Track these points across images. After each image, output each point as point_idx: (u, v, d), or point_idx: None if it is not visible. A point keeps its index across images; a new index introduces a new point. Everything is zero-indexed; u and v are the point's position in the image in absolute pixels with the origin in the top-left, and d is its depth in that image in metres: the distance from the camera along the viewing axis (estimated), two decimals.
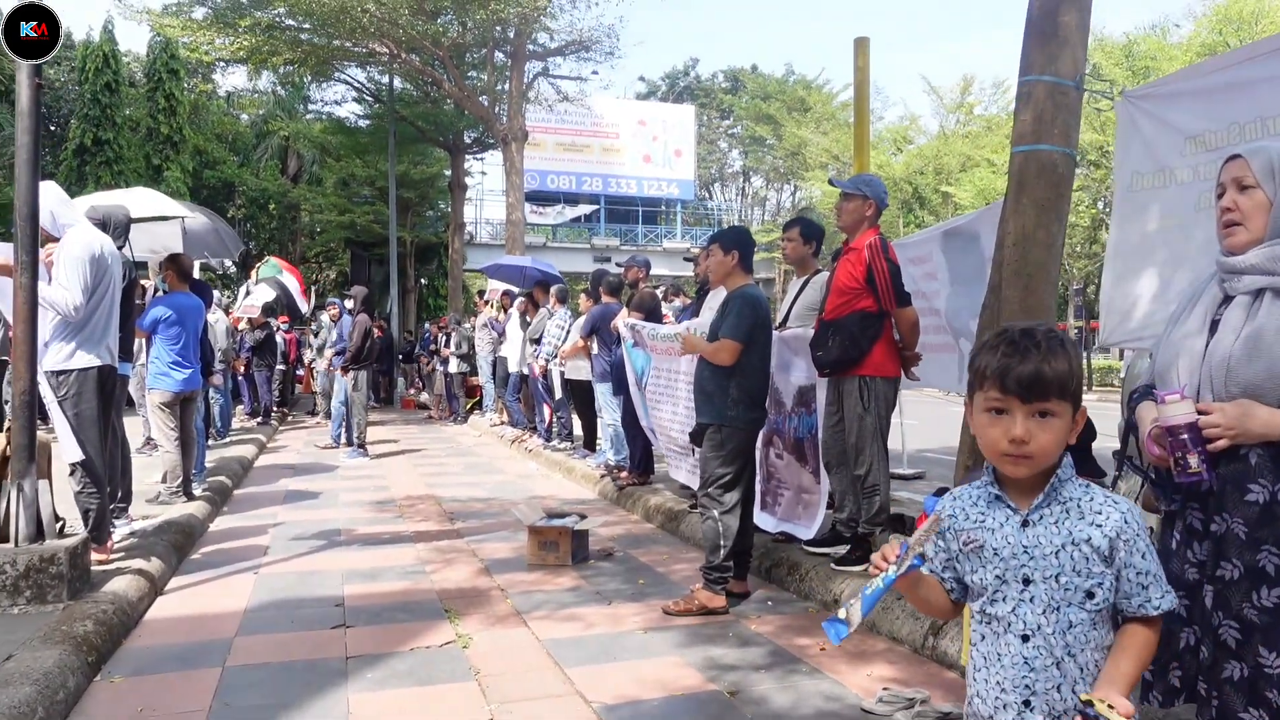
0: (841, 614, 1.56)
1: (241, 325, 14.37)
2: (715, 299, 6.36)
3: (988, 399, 1.55)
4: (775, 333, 4.90)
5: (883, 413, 4.38)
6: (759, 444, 5.25)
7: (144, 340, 7.12)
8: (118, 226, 5.13)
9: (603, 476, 8.25)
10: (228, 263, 29.87)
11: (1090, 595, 1.52)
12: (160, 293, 7.22)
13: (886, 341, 4.39)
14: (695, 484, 6.27)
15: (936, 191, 31.86)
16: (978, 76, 46.83)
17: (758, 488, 5.40)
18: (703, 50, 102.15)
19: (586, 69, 20.39)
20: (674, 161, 46.03)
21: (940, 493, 4.25)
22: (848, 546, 4.65)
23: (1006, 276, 4.15)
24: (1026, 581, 1.55)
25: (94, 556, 4.65)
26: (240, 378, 14.72)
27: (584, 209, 47.17)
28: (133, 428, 7.24)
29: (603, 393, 8.19)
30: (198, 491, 7.14)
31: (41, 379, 4.57)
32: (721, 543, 4.35)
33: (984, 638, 1.61)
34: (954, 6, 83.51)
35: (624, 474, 7.71)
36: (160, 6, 16.64)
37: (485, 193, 43.15)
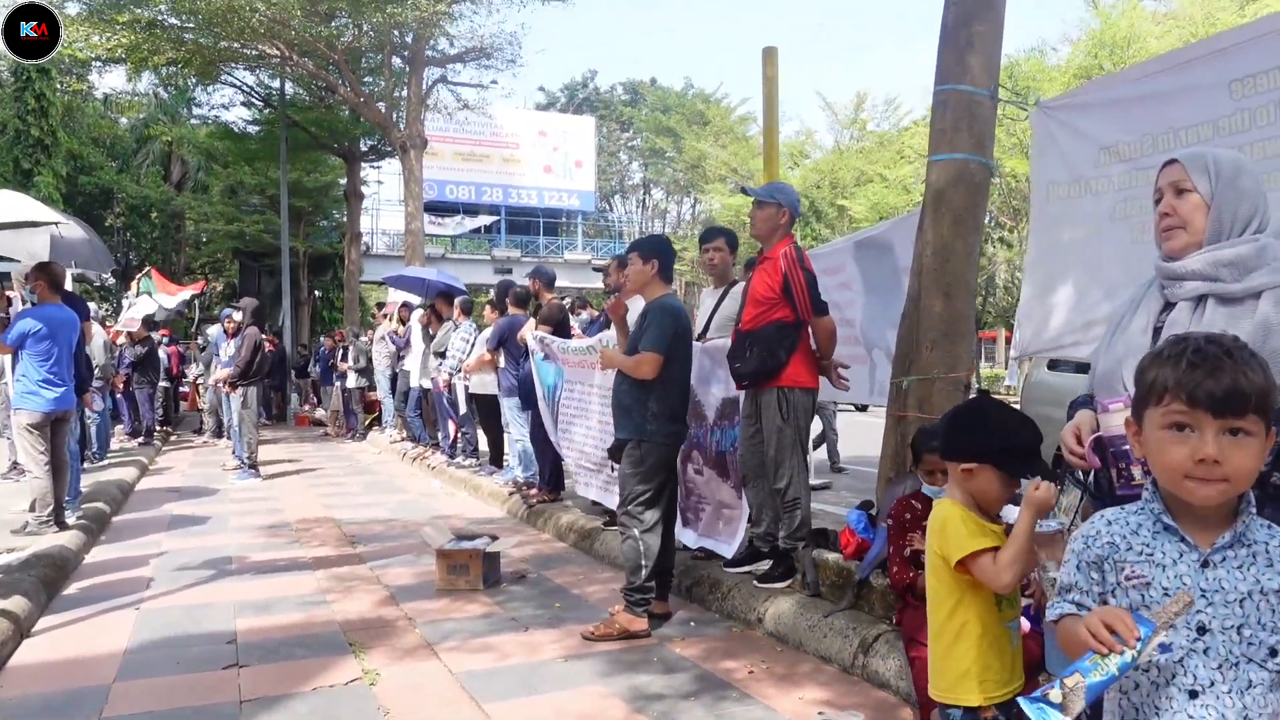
0: (1054, 695, 1.29)
1: (121, 340, 13.54)
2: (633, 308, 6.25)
3: (1169, 413, 1.37)
4: (696, 344, 4.79)
5: (802, 424, 4.31)
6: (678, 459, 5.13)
7: (9, 357, 6.54)
8: None
9: (511, 494, 7.99)
10: (105, 275, 28.42)
11: (1274, 653, 1.35)
12: (27, 305, 6.66)
13: (804, 352, 4.32)
14: (608, 501, 6.12)
15: (833, 205, 32.61)
16: (871, 93, 48.13)
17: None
18: (601, 62, 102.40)
19: (487, 76, 20.08)
20: (575, 173, 45.92)
21: (864, 506, 4.20)
22: (769, 563, 4.55)
23: (926, 286, 4.14)
24: (1201, 630, 1.36)
25: None
26: (119, 395, 13.87)
27: (484, 220, 46.56)
28: None
29: (510, 407, 7.95)
30: (71, 520, 6.60)
31: None
32: (643, 563, 4.19)
33: (1137, 686, 1.41)
34: (849, 26, 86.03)
35: (533, 491, 7.48)
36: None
37: (382, 202, 42.17)
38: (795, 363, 4.25)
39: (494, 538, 5.45)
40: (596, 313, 9.80)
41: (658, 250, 4.47)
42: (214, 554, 6.21)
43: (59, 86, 29.70)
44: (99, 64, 18.73)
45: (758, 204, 4.43)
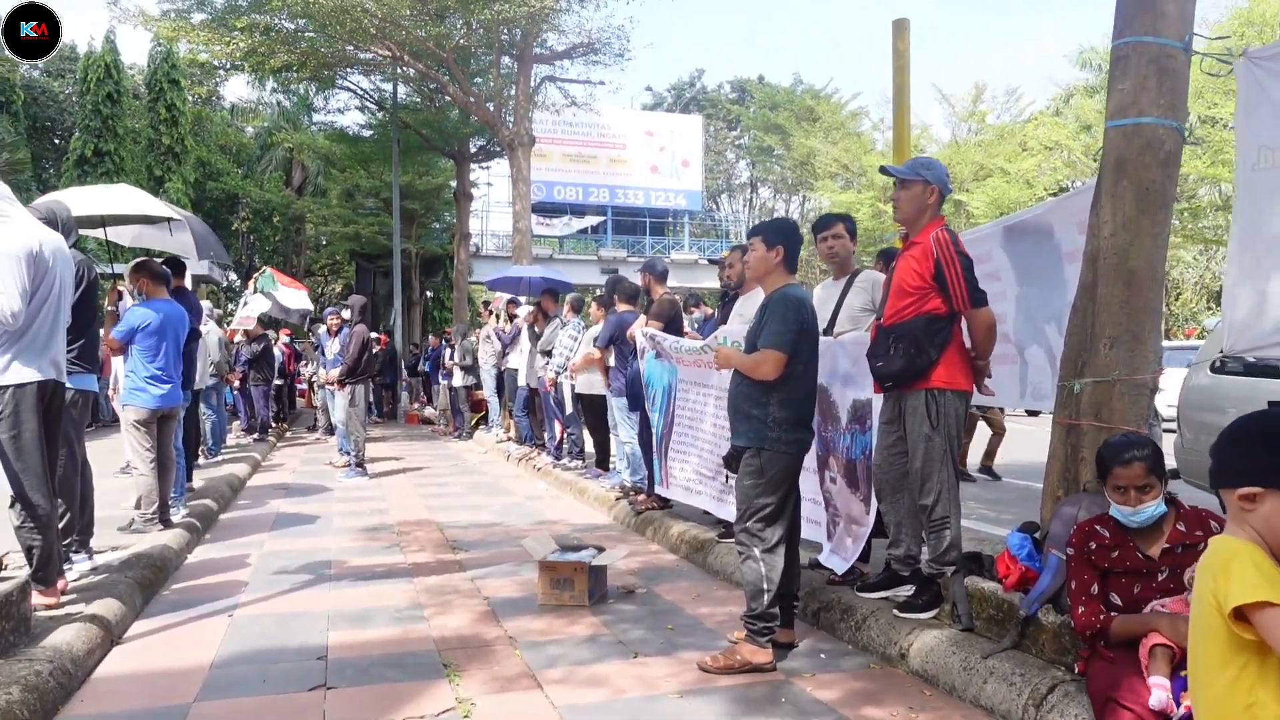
0: None
1: (238, 338, 13.81)
2: (746, 304, 5.76)
3: None
4: (829, 339, 4.28)
5: (953, 432, 3.74)
6: (813, 467, 4.62)
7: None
8: (65, 223, 4.52)
9: (618, 499, 7.60)
10: (232, 275, 29.48)
11: None
12: (137, 301, 6.63)
13: (957, 349, 3.76)
14: (720, 511, 5.66)
15: (950, 201, 31.22)
16: (990, 84, 46.21)
17: (820, 517, 4.77)
18: (709, 61, 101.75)
19: (595, 73, 19.85)
20: (681, 172, 45.50)
21: (1028, 528, 3.63)
22: (909, 589, 4.00)
23: (1104, 273, 3.53)
24: None
25: (40, 601, 4.04)
26: (236, 392, 14.15)
27: (591, 220, 46.66)
28: (114, 446, 6.67)
29: (619, 408, 7.56)
30: (177, 518, 6.53)
31: None
32: (765, 587, 3.71)
33: None
34: (964, 17, 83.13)
35: (642, 497, 7.06)
36: (158, 12, 16.17)
37: (491, 204, 42.67)
38: (947, 361, 3.69)
39: (600, 549, 5.05)
40: (711, 310, 9.34)
41: (784, 235, 3.97)
42: (314, 557, 6.02)
43: (189, 97, 31.06)
44: (222, 71, 19.22)
45: (901, 184, 3.89)
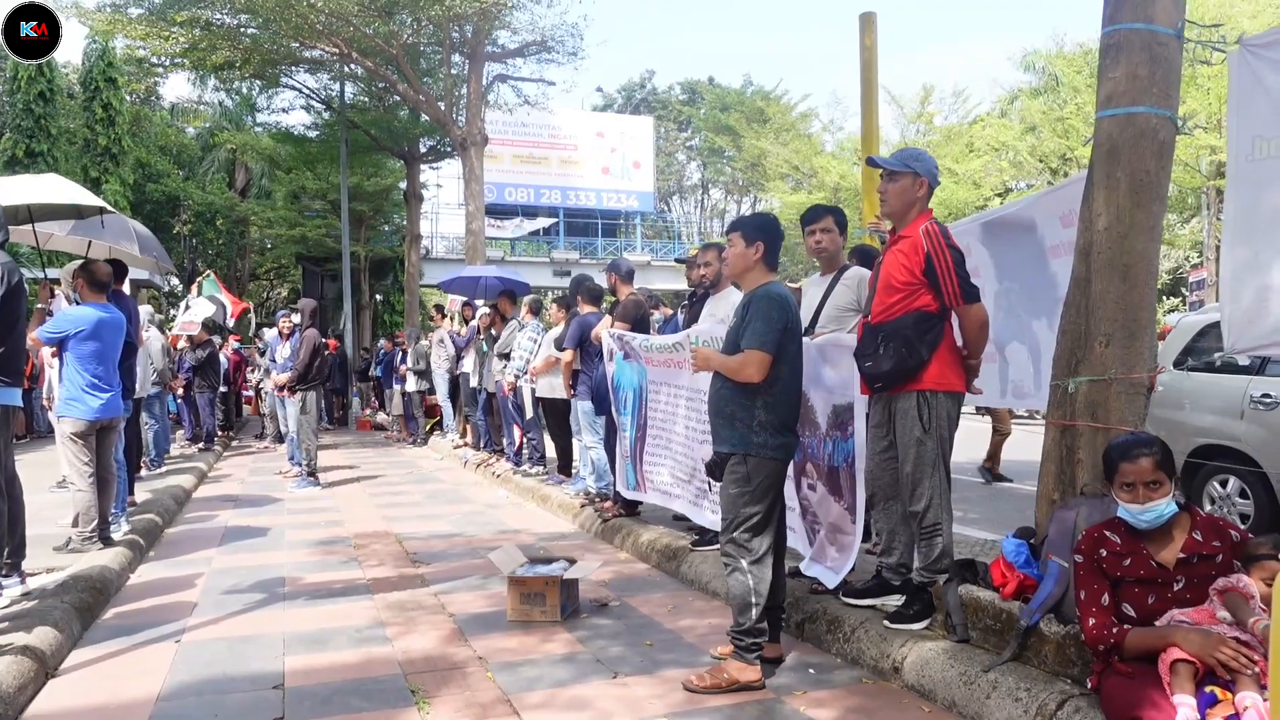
0: None
1: (181, 344, 13.31)
2: (719, 304, 5.59)
3: None
4: (807, 340, 4.11)
5: (945, 435, 3.60)
6: (789, 473, 4.46)
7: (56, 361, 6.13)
8: None
9: (583, 506, 7.39)
10: (174, 280, 28.61)
11: None
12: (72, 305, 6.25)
13: (949, 347, 3.61)
14: (698, 517, 5.48)
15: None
16: (937, 86, 46.74)
17: (797, 525, 4.60)
18: (658, 63, 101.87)
19: (548, 71, 19.59)
20: (633, 173, 45.48)
21: (1023, 534, 3.49)
22: (898, 598, 3.85)
23: (1098, 268, 3.42)
24: None
25: None
26: (180, 400, 13.65)
27: (543, 222, 46.41)
28: (50, 459, 6.28)
29: (584, 412, 7.34)
30: (118, 535, 6.16)
31: None
32: (753, 600, 3.53)
33: None
34: (911, 20, 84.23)
35: (608, 504, 6.85)
36: (94, 5, 15.54)
37: (441, 206, 42.20)
38: (939, 361, 3.55)
39: (571, 561, 4.84)
40: (670, 311, 9.17)
41: (763, 230, 3.80)
42: (266, 574, 5.71)
43: (126, 96, 30.11)
44: (161, 68, 18.57)
45: (889, 176, 3.73)
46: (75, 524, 5.73)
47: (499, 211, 42.27)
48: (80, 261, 5.86)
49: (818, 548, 4.55)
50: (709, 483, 5.15)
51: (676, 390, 5.76)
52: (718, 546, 5.44)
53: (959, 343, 3.68)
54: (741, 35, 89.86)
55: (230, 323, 15.07)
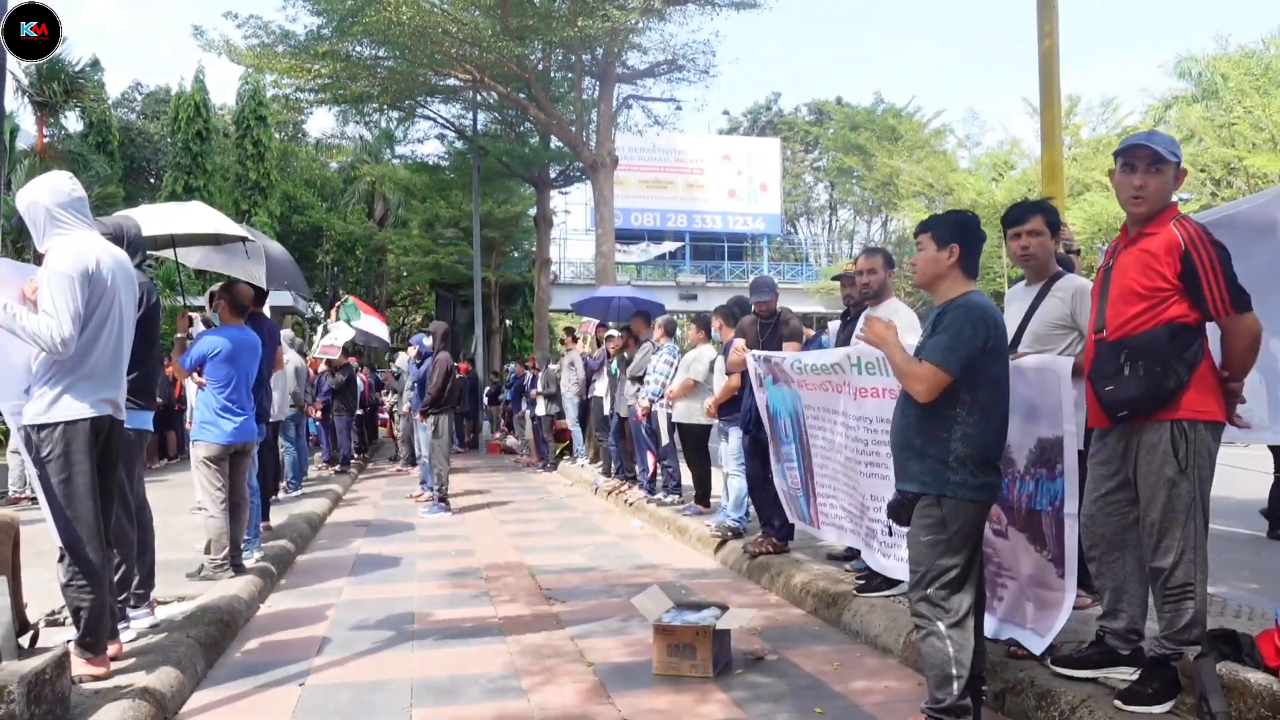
0: None
1: (320, 368, 13.52)
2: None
3: None
4: (1011, 360, 3.50)
5: (1205, 475, 2.93)
6: None
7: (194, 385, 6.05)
8: (132, 240, 4.04)
9: (724, 541, 6.86)
10: (316, 306, 29.72)
11: None
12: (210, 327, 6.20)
13: (1209, 368, 2.95)
14: (871, 559, 4.89)
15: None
16: (1084, 96, 44.41)
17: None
18: (784, 85, 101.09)
19: (678, 91, 19.32)
20: (759, 196, 44.95)
21: None
22: (1132, 670, 3.18)
23: None
24: None
25: (85, 671, 3.50)
26: (319, 423, 13.86)
27: (669, 246, 46.40)
28: (189, 480, 6.22)
29: (735, 440, 6.82)
30: (250, 562, 6.02)
31: (18, 437, 3.49)
32: (954, 672, 2.94)
33: None
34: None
35: (759, 540, 6.26)
36: (244, 45, 16.21)
37: (569, 232, 42.70)
38: (1199, 384, 2.89)
39: (723, 607, 4.33)
40: (812, 332, 8.59)
41: (959, 231, 3.23)
42: (395, 607, 5.42)
43: (275, 134, 31.66)
44: (304, 103, 19.24)
45: (1153, 167, 3.04)
46: (207, 550, 5.60)
47: (625, 236, 42.38)
48: (224, 283, 5.79)
49: (1009, 605, 3.89)
50: (885, 524, 4.57)
51: (833, 417, 5.19)
52: (887, 594, 4.87)
53: (1217, 363, 3.00)
54: (869, 54, 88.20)
55: (383, 333, 15.30)
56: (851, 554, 5.70)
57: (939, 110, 65.28)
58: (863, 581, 4.97)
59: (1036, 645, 3.62)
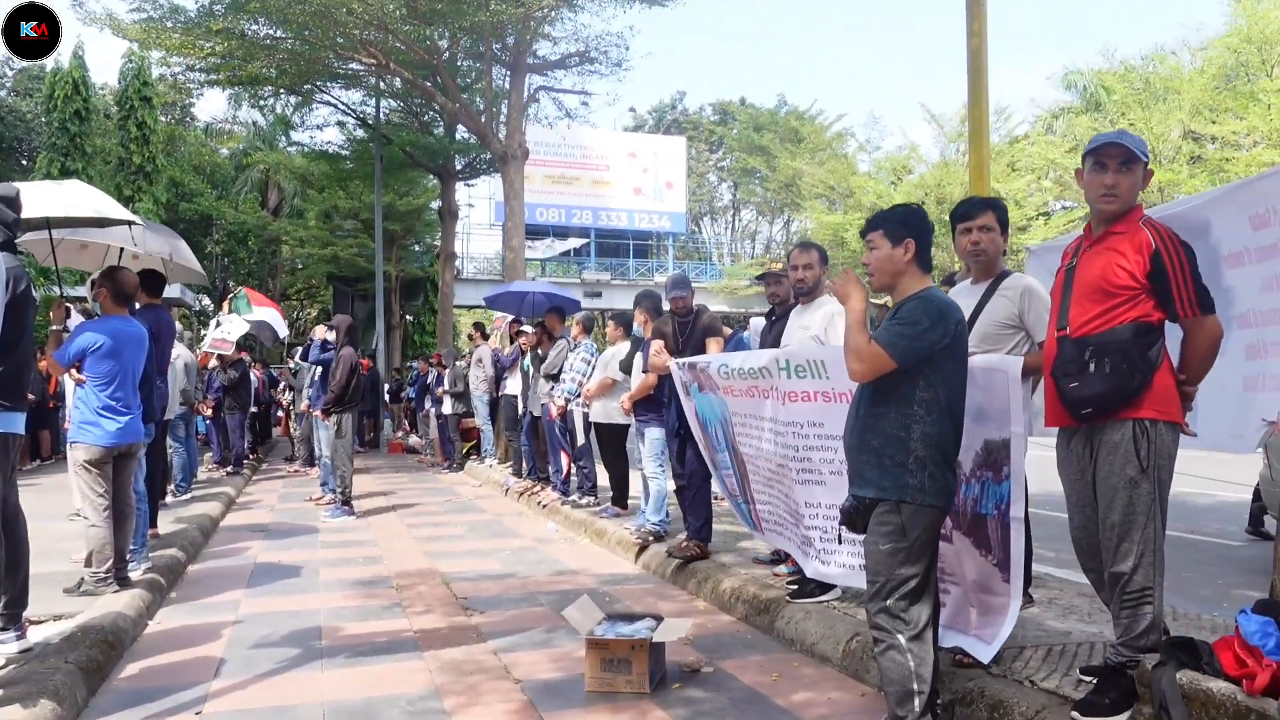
0: None
1: (211, 363, 12.78)
2: (810, 315, 4.91)
3: None
4: None
5: (1164, 476, 2.88)
6: None
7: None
8: (4, 208, 3.59)
9: (644, 545, 6.67)
10: (205, 299, 28.38)
11: None
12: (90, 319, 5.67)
13: (1169, 369, 2.90)
14: (809, 565, 4.76)
15: (939, 220, 30.78)
16: None
17: None
18: (689, 84, 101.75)
19: (590, 83, 19.07)
20: (665, 194, 45.09)
21: (1264, 608, 2.75)
22: (1090, 679, 3.11)
23: None
24: None
25: None
26: (209, 422, 13.11)
27: (574, 242, 46.15)
28: (66, 484, 5.68)
29: (654, 440, 6.64)
30: (137, 574, 5.54)
31: None
32: (916, 687, 2.81)
33: None
34: (950, 41, 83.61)
35: (684, 543, 6.07)
36: (129, 20, 15.19)
37: (472, 226, 41.90)
38: (1160, 383, 2.83)
39: (658, 618, 4.12)
40: (730, 331, 8.47)
41: (911, 226, 3.11)
42: (300, 621, 5.05)
43: (161, 116, 30.04)
44: (195, 84, 18.21)
45: (1124, 166, 3.00)
46: (88, 563, 5.11)
47: (530, 232, 41.73)
48: (105, 268, 5.27)
49: (952, 611, 3.79)
50: (821, 529, 4.44)
51: (760, 423, 5.05)
52: (821, 599, 4.75)
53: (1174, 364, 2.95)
54: (774, 55, 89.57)
55: (281, 329, 14.59)
56: (778, 557, 5.59)
57: (840, 114, 66.61)
58: (795, 587, 4.85)
59: (984, 653, 3.53)
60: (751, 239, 57.13)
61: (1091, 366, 2.86)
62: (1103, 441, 2.92)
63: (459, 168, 23.53)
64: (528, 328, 10.63)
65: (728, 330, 8.26)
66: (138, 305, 6.43)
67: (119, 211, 5.54)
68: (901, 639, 2.85)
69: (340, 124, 24.13)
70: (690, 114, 56.17)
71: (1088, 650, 3.76)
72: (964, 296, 3.79)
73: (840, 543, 4.45)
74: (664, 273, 42.20)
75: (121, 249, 6.62)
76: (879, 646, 2.92)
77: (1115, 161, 3.02)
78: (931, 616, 2.93)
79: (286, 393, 17.54)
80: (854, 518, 3.06)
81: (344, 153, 26.03)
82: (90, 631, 4.31)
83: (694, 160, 52.19)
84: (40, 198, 5.20)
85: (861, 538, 3.14)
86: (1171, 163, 25.24)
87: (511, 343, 11.41)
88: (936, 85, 67.75)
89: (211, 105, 51.09)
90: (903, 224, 3.13)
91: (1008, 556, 3.50)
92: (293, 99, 24.02)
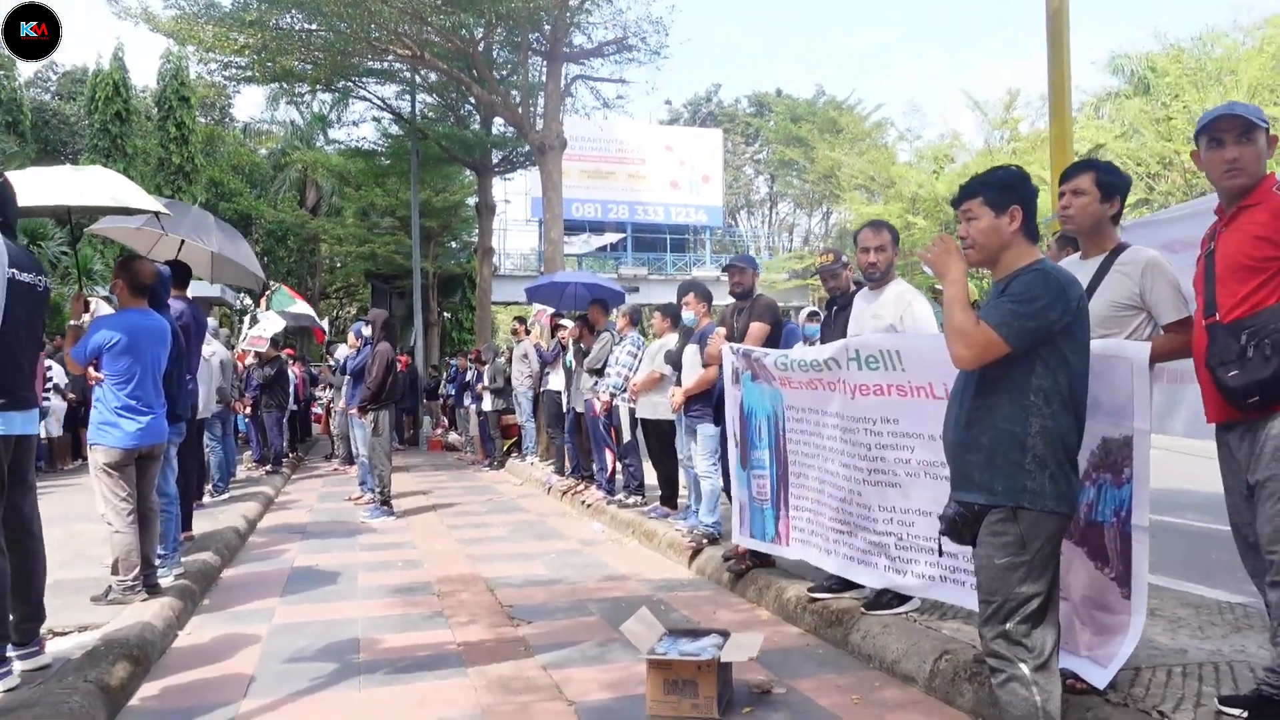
0: None
1: (248, 360, 12.60)
2: (879, 303, 4.50)
3: None
4: None
5: None
6: None
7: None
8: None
9: (698, 549, 6.28)
10: (245, 299, 28.51)
11: None
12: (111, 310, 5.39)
13: None
14: (861, 576, 4.37)
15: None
16: (1023, 90, 44.93)
17: None
18: (724, 77, 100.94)
19: (628, 71, 18.66)
20: (701, 187, 44.59)
21: None
22: (1233, 712, 2.68)
23: None
24: None
25: None
26: (248, 420, 12.94)
27: (610, 237, 45.79)
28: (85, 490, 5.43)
29: (708, 437, 6.25)
30: (167, 580, 5.27)
31: None
32: None
33: None
34: (995, 29, 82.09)
35: (738, 549, 5.68)
36: (163, 14, 15.07)
37: (508, 222, 41.72)
38: None
39: (725, 634, 3.75)
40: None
41: (1017, 191, 2.71)
42: (337, 633, 4.74)
43: (200, 116, 30.16)
44: (231, 80, 18.08)
45: (1244, 136, 2.69)
46: (115, 570, 4.83)
47: (567, 227, 41.50)
48: (121, 259, 4.98)
49: (1064, 629, 3.38)
50: (897, 535, 4.04)
51: (821, 418, 4.65)
52: (899, 610, 4.35)
53: None
54: (812, 46, 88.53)
55: (320, 323, 14.47)
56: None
57: (879, 104, 65.74)
58: (870, 597, 4.43)
59: (1098, 677, 3.12)
60: (789, 232, 56.46)
61: (1250, 351, 2.48)
62: (1268, 434, 2.50)
63: (495, 162, 23.24)
64: (566, 321, 10.29)
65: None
66: (179, 297, 6.20)
67: (142, 200, 5.23)
68: (1024, 669, 2.45)
69: (376, 120, 23.98)
70: (726, 106, 55.64)
71: (1212, 673, 3.34)
72: (1073, 273, 3.35)
73: (917, 551, 4.06)
74: (701, 267, 41.72)
75: (182, 241, 6.39)
76: (997, 678, 2.51)
77: (1232, 134, 2.72)
78: (1057, 642, 2.52)
79: (327, 390, 17.40)
80: (960, 527, 2.65)
81: (380, 150, 25.90)
82: (114, 645, 4.02)
83: (730, 153, 51.67)
84: (56, 185, 4.92)
85: (956, 547, 2.75)
86: None
87: (552, 336, 11.07)
88: (977, 77, 66.38)
89: (250, 106, 51.43)
90: (1006, 188, 2.72)
91: (1128, 570, 3.10)
92: (329, 96, 23.91)
